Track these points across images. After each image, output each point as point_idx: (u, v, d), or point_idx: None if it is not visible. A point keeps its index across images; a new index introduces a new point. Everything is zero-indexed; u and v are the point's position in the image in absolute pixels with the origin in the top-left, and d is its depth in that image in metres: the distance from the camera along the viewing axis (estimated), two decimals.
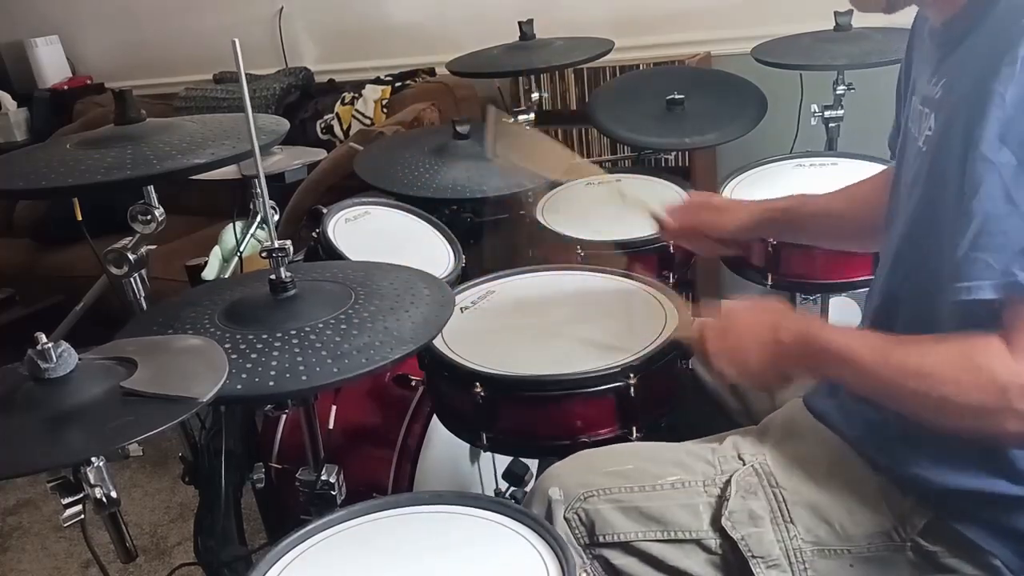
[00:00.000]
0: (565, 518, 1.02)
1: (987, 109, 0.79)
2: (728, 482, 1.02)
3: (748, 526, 0.99)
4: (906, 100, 1.08)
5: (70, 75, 3.84)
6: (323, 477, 1.12)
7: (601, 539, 1.02)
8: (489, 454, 1.63)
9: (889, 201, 1.06)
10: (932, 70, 0.94)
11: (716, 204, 1.39)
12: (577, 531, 1.03)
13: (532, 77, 2.28)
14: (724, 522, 0.99)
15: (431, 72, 2.93)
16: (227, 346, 0.95)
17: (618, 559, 1.02)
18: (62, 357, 0.81)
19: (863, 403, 1.00)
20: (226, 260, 1.77)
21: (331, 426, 1.49)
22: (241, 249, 1.63)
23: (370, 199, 1.69)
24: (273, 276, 1.04)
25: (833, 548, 0.97)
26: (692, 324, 1.14)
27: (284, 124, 1.27)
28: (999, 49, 0.80)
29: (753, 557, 0.97)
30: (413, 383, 1.49)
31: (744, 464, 1.04)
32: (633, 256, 1.54)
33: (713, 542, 1.00)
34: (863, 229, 1.21)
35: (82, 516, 0.84)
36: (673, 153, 2.35)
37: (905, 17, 1.09)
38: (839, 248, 1.44)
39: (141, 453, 0.85)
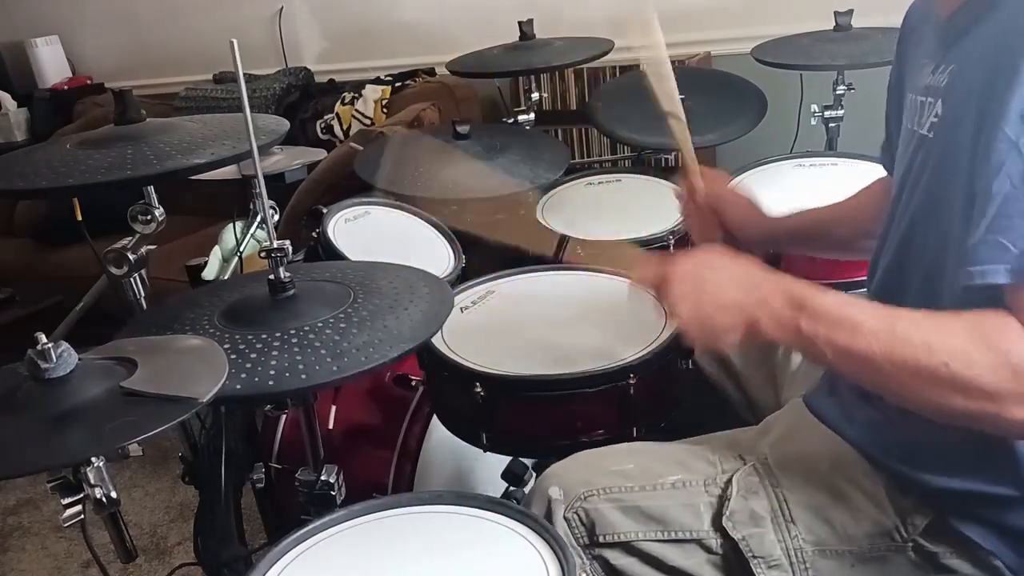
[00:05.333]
0: (565, 518, 1.02)
1: (1009, 89, 0.77)
2: (729, 482, 1.02)
3: (749, 526, 0.98)
4: (899, 100, 1.08)
5: (70, 75, 3.84)
6: (323, 477, 1.12)
7: (601, 539, 1.01)
8: (489, 454, 1.63)
9: (890, 205, 1.06)
10: (937, 60, 0.94)
11: (748, 207, 1.29)
12: (577, 531, 1.02)
13: (532, 77, 2.28)
14: (725, 522, 0.98)
15: (431, 72, 2.93)
16: (227, 346, 0.95)
17: (618, 559, 1.01)
18: (62, 357, 0.81)
19: (864, 403, 1.00)
20: (226, 260, 1.77)
21: (331, 426, 1.49)
22: (241, 249, 1.63)
23: (370, 199, 1.69)
24: (272, 276, 1.04)
25: (834, 548, 0.97)
26: (650, 261, 1.02)
27: (284, 124, 1.27)
28: (1019, 29, 0.79)
29: (754, 557, 0.97)
30: (413, 383, 1.49)
31: (745, 464, 1.04)
32: None
33: (714, 542, 1.00)
34: (871, 234, 1.20)
35: (82, 516, 0.84)
36: (673, 153, 2.35)
37: None
38: (851, 259, 1.38)
39: (141, 453, 0.85)
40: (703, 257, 0.98)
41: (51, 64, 3.80)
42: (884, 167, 1.20)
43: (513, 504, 0.96)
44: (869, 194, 1.24)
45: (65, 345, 0.81)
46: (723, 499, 1.01)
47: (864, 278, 1.47)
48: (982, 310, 0.79)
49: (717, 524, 1.00)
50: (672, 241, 1.57)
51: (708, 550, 1.00)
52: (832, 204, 1.27)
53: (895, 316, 0.83)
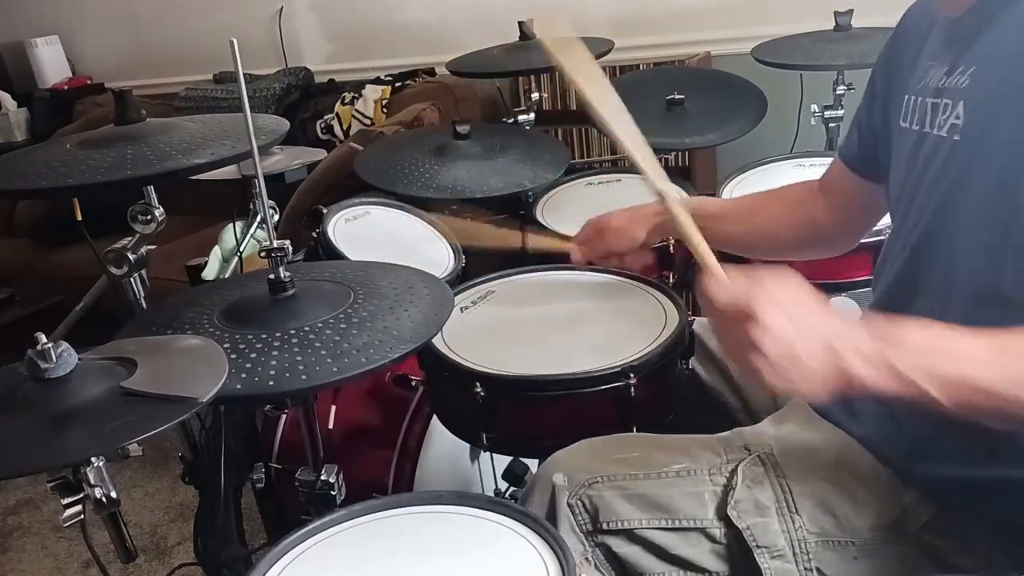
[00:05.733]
0: (568, 504, 1.02)
1: None
2: (734, 471, 1.02)
3: (753, 516, 0.98)
4: (887, 100, 1.07)
5: (70, 75, 3.84)
6: (323, 477, 1.12)
7: (605, 526, 1.01)
8: (489, 454, 1.63)
9: (895, 205, 1.05)
10: (949, 61, 0.93)
11: (610, 226, 1.36)
12: (580, 517, 1.02)
13: (532, 77, 2.28)
14: (729, 511, 0.99)
15: (431, 72, 2.94)
16: (227, 346, 0.95)
17: (621, 547, 1.02)
18: (62, 357, 0.81)
19: (867, 398, 0.99)
20: (226, 260, 1.77)
21: (331, 426, 1.49)
22: (241, 249, 1.62)
23: (370, 199, 1.69)
24: (272, 276, 1.04)
25: (837, 539, 0.97)
26: (732, 295, 0.81)
27: (284, 124, 1.27)
28: None
29: (758, 547, 0.97)
30: (413, 383, 1.49)
31: (750, 454, 1.04)
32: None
33: (718, 531, 1.00)
34: (778, 237, 1.25)
35: (82, 516, 0.84)
36: (673, 153, 2.36)
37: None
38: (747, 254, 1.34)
39: (141, 453, 0.85)
40: (785, 304, 0.80)
41: (51, 64, 3.80)
42: (845, 160, 1.19)
43: (513, 504, 0.96)
44: (784, 202, 1.27)
45: (65, 345, 0.81)
46: (728, 488, 1.01)
47: (864, 278, 1.49)
48: None
49: (721, 513, 1.00)
50: (672, 242, 1.57)
51: (712, 539, 1.00)
52: (740, 198, 1.31)
53: (990, 337, 0.77)
